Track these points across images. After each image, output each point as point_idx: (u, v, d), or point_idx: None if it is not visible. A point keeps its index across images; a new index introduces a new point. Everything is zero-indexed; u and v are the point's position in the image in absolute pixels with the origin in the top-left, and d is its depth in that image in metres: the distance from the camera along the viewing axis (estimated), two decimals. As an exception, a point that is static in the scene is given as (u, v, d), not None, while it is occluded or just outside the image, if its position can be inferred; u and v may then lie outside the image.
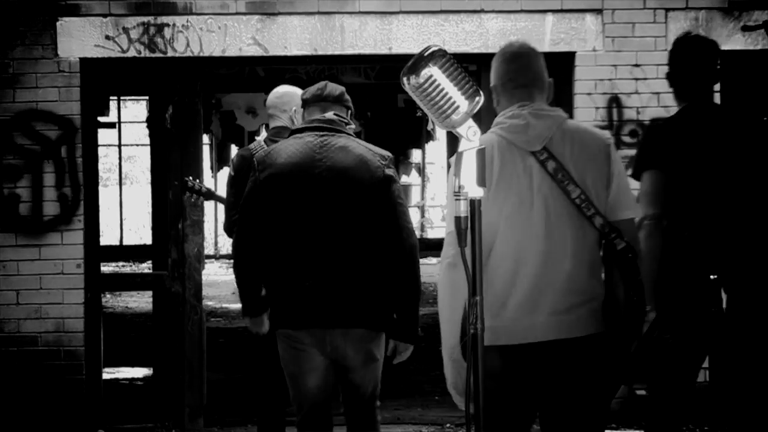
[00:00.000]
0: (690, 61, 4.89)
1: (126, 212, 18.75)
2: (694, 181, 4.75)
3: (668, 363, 4.74)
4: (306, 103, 4.80)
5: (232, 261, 4.82)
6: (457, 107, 3.26)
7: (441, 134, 15.35)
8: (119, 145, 17.13)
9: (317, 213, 4.56)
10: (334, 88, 4.79)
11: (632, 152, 7.22)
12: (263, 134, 5.82)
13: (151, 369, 9.06)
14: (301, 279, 4.56)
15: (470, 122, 3.29)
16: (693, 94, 4.89)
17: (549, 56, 7.29)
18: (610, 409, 3.97)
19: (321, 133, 4.64)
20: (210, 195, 6.33)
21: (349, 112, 4.79)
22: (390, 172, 4.62)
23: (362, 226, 4.58)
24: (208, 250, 19.61)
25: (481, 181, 3.31)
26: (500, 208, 3.74)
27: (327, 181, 4.56)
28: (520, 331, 3.69)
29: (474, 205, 3.27)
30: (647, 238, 4.50)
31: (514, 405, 3.75)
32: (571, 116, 7.24)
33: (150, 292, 10.53)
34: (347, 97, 4.81)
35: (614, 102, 7.23)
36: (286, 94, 5.56)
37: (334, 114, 4.70)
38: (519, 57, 3.91)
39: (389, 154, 4.71)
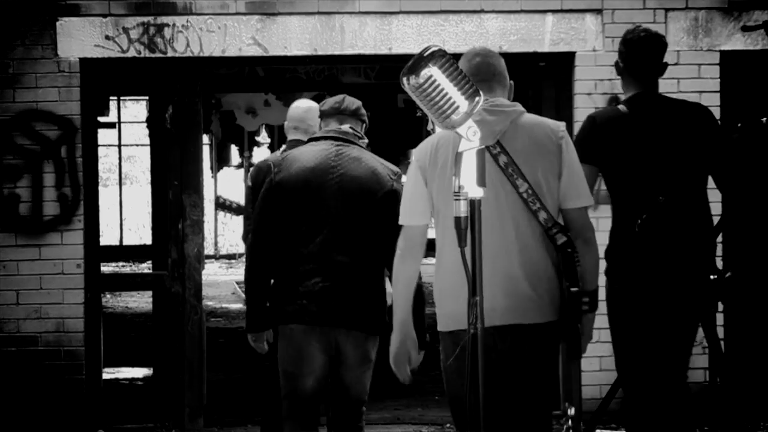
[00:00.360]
0: (639, 53, 4.99)
1: (126, 212, 18.75)
2: (633, 174, 4.87)
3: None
4: (324, 114, 5.01)
5: (245, 266, 4.95)
6: (457, 107, 3.26)
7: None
8: (119, 145, 17.14)
9: (329, 216, 4.75)
10: (351, 102, 4.99)
11: (632, 152, 7.24)
12: (282, 148, 5.75)
13: (151, 369, 9.07)
14: (311, 278, 4.72)
15: (470, 122, 3.29)
16: (640, 85, 5.01)
17: (549, 56, 7.36)
18: (551, 396, 4.21)
19: (337, 143, 4.86)
20: (240, 209, 6.45)
21: (364, 125, 5.01)
22: (398, 186, 4.81)
23: (368, 234, 4.78)
24: (208, 250, 19.62)
25: (481, 181, 3.32)
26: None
27: (340, 188, 4.77)
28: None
29: (474, 205, 3.28)
30: None
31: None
32: (571, 116, 7.26)
33: (150, 292, 10.53)
34: (363, 111, 5.01)
35: (614, 102, 7.22)
36: (312, 110, 5.62)
37: (350, 127, 4.94)
38: (481, 55, 4.11)
39: (398, 169, 4.93)
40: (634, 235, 4.85)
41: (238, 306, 14.50)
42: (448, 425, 7.28)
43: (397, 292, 4.11)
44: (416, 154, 4.09)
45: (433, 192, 4.00)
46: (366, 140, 5.00)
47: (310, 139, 4.98)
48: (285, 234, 4.79)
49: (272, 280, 4.88)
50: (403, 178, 4.62)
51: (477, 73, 4.01)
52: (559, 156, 3.99)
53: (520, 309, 3.92)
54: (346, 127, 4.93)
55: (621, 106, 5.00)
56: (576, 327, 3.99)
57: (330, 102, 5.01)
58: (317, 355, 4.73)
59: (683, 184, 4.98)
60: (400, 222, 4.10)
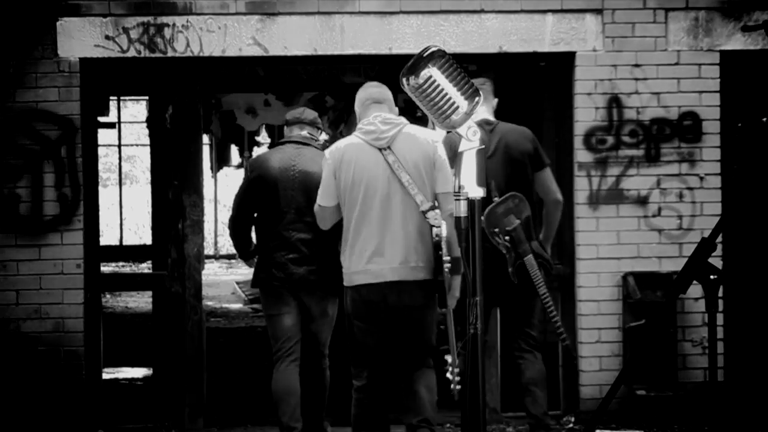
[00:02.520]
0: None
1: (126, 212, 18.74)
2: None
3: None
4: (287, 123, 6.46)
5: (229, 233, 6.60)
6: (457, 107, 3.28)
7: (441, 134, 15.36)
8: (119, 145, 17.12)
9: (292, 204, 6.22)
10: (310, 113, 6.46)
11: (632, 152, 7.23)
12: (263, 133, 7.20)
13: (151, 369, 9.06)
14: (279, 252, 6.22)
15: (470, 122, 3.30)
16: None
17: (549, 56, 7.35)
18: (433, 341, 5.60)
19: (297, 146, 6.33)
20: None
21: (319, 131, 6.48)
22: None
23: None
24: (208, 250, 19.62)
25: (481, 181, 3.33)
26: (359, 189, 5.41)
27: (299, 181, 6.23)
28: (374, 274, 5.39)
29: (473, 205, 3.29)
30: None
31: (372, 335, 5.48)
32: (571, 116, 7.27)
33: (150, 292, 10.53)
34: (319, 120, 6.48)
35: (614, 102, 7.23)
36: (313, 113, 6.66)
37: (308, 132, 6.40)
38: (376, 86, 5.65)
39: None
40: None
41: (238, 306, 14.50)
42: (448, 425, 7.27)
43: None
44: (329, 154, 5.54)
45: (341, 183, 5.46)
46: (321, 141, 6.46)
47: (279, 143, 6.50)
48: (260, 218, 6.32)
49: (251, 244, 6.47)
50: None
51: (374, 97, 5.56)
52: (434, 155, 5.41)
53: (404, 270, 5.38)
54: (305, 132, 6.38)
55: None
56: (443, 283, 5.23)
57: (293, 113, 6.47)
58: (290, 302, 6.26)
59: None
60: (317, 204, 5.64)
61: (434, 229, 5.23)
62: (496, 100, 6.30)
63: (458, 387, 5.12)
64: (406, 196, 5.33)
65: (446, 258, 5.18)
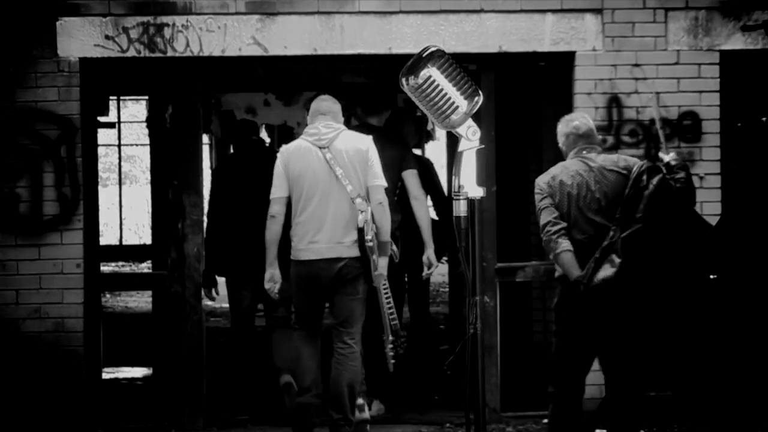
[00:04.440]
0: None
1: (126, 212, 18.74)
2: None
3: None
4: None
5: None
6: (457, 107, 3.28)
7: (441, 134, 15.32)
8: (119, 145, 17.16)
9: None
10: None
11: (632, 152, 7.23)
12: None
13: (151, 369, 9.06)
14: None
15: (470, 122, 3.30)
16: None
17: (549, 56, 7.35)
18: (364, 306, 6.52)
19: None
20: None
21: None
22: None
23: None
24: (208, 249, 19.55)
25: (481, 181, 3.32)
26: (304, 181, 6.41)
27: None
28: (314, 251, 6.40)
29: (473, 205, 3.29)
30: None
31: (309, 301, 6.53)
32: (570, 116, 7.25)
33: (150, 292, 10.52)
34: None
35: (614, 102, 7.23)
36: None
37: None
38: (325, 99, 6.64)
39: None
40: None
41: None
42: (447, 425, 7.27)
43: (271, 242, 6.50)
44: (281, 152, 6.58)
45: (289, 174, 6.43)
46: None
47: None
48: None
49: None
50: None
51: (321, 109, 6.55)
52: (366, 155, 6.42)
53: (338, 248, 6.38)
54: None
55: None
56: (369, 261, 6.31)
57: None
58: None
59: None
60: (271, 196, 6.51)
61: (359, 215, 6.26)
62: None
63: (393, 361, 6.42)
64: (340, 187, 6.37)
65: (369, 239, 6.24)
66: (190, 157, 7.30)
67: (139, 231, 23.46)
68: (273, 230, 6.47)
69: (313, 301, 6.54)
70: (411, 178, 7.35)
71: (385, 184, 6.51)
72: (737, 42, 7.28)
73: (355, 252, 6.38)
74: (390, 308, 6.50)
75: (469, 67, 7.45)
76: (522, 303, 9.07)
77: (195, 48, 7.09)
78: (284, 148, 6.62)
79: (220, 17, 7.09)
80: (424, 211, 7.36)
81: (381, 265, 6.37)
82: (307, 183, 6.42)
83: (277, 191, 6.51)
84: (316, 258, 6.40)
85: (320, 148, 6.43)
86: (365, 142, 6.50)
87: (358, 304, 6.50)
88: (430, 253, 7.29)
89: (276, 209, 6.49)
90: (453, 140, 9.71)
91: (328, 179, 6.40)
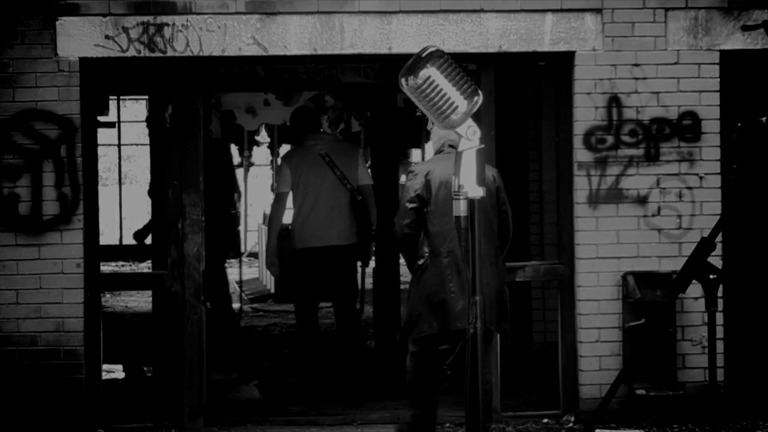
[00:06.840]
0: None
1: (126, 212, 18.73)
2: None
3: None
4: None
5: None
6: (456, 107, 3.27)
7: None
8: (119, 145, 17.15)
9: None
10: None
11: (632, 152, 7.23)
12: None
13: (151, 369, 9.06)
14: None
15: (470, 122, 3.30)
16: None
17: (549, 56, 7.35)
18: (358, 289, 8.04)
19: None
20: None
21: None
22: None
23: None
24: (208, 249, 19.52)
25: (481, 181, 3.32)
26: (307, 181, 7.87)
27: None
28: (317, 239, 7.84)
29: (473, 204, 3.29)
30: None
31: (310, 286, 7.97)
32: (570, 116, 7.26)
33: (149, 292, 10.51)
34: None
35: (614, 102, 7.23)
36: None
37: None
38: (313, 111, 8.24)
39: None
40: None
41: (238, 306, 14.50)
42: (447, 425, 7.27)
43: (273, 225, 8.19)
44: (288, 156, 8.20)
45: (294, 175, 7.89)
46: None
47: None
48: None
49: None
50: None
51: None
52: (357, 158, 8.03)
53: (336, 236, 7.87)
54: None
55: None
56: (364, 247, 8.04)
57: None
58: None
59: None
60: (277, 191, 8.18)
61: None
62: None
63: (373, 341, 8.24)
64: (338, 185, 7.92)
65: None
66: (190, 157, 7.30)
67: (138, 231, 23.40)
68: (278, 218, 8.19)
69: (317, 281, 8.04)
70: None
71: (370, 182, 8.14)
72: (737, 42, 7.28)
73: (349, 239, 8.07)
74: None
75: (469, 67, 7.45)
76: (522, 303, 9.08)
77: (195, 48, 7.09)
78: (291, 152, 8.43)
79: (219, 17, 7.09)
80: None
81: (370, 249, 8.47)
82: (311, 182, 7.96)
83: (282, 187, 8.07)
84: (321, 245, 7.92)
85: (320, 155, 8.00)
86: (356, 147, 7.95)
87: (350, 279, 8.19)
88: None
89: (281, 202, 8.11)
90: (453, 140, 9.69)
91: (328, 179, 8.01)
